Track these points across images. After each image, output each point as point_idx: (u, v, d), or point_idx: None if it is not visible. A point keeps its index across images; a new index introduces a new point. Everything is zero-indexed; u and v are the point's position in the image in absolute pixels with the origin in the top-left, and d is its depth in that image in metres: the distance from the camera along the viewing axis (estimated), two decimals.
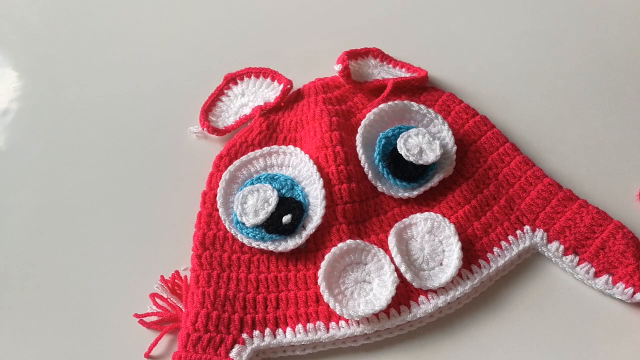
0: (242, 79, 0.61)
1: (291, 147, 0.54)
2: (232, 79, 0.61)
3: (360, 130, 0.54)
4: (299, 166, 0.53)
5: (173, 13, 0.68)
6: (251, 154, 0.54)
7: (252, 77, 0.61)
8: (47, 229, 0.56)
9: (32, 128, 0.62)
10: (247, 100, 0.60)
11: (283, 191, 0.52)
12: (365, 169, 0.53)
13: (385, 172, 0.53)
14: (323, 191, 0.51)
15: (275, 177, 0.53)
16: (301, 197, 0.52)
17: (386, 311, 0.48)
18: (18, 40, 0.68)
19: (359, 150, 0.53)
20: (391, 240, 0.50)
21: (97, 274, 0.53)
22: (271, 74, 0.61)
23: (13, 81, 0.65)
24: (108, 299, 0.52)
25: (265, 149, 0.54)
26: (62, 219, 0.56)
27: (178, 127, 0.60)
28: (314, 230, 0.51)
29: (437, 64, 0.61)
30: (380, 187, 0.53)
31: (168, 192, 0.57)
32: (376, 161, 0.53)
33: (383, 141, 0.53)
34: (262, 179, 0.53)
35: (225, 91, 0.61)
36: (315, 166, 0.52)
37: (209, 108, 0.60)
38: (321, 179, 0.51)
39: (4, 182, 0.59)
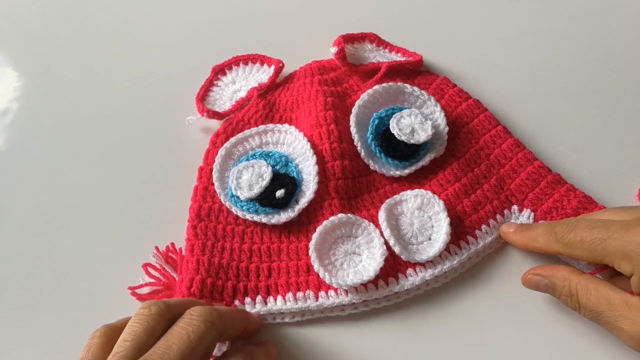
0: (230, 68, 0.62)
1: (286, 125, 0.56)
2: (220, 70, 0.62)
3: (354, 110, 0.55)
4: (293, 144, 0.55)
5: (173, 14, 0.69)
6: (247, 132, 0.56)
7: (241, 64, 0.62)
8: (46, 229, 0.56)
9: (32, 128, 0.62)
10: (239, 86, 0.61)
11: (277, 167, 0.53)
12: (358, 148, 0.54)
13: (377, 151, 0.54)
14: (316, 167, 0.52)
15: (270, 154, 0.54)
16: (295, 173, 0.53)
17: (374, 282, 0.49)
18: (18, 40, 0.69)
19: (353, 130, 0.54)
20: (381, 215, 0.51)
21: (97, 272, 0.54)
22: (259, 59, 0.62)
23: (13, 81, 0.65)
24: (109, 290, 0.53)
25: (261, 127, 0.56)
26: (62, 219, 0.57)
27: (176, 118, 0.60)
28: (306, 204, 0.52)
29: (436, 61, 0.62)
30: (372, 165, 0.54)
31: (167, 173, 0.58)
32: (369, 140, 0.54)
33: (376, 121, 0.54)
34: (257, 156, 0.54)
35: (215, 82, 0.62)
36: (309, 143, 0.53)
37: (202, 97, 0.61)
38: (314, 156, 0.53)
39: (4, 182, 0.59)
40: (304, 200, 0.52)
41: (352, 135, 0.54)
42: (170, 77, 0.64)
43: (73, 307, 0.52)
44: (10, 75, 0.65)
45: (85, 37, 0.68)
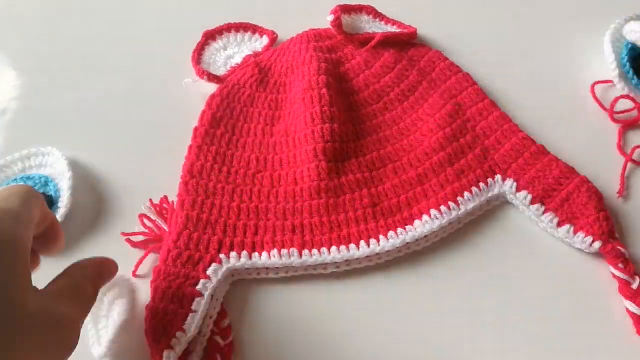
0: (221, 34, 0.64)
1: (49, 147, 0.57)
2: (211, 36, 0.63)
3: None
4: (55, 164, 0.57)
5: (176, 20, 0.68)
6: (9, 158, 0.57)
7: (233, 31, 0.64)
8: None
9: (32, 128, 0.61)
10: (232, 53, 0.63)
11: (37, 187, 0.56)
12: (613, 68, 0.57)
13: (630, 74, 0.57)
14: (70, 183, 0.55)
15: (31, 176, 0.57)
16: (53, 192, 0.56)
17: (356, 243, 0.51)
18: (18, 39, 0.68)
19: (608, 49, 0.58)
20: None
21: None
22: (252, 28, 0.64)
23: (12, 80, 0.64)
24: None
25: (24, 152, 0.58)
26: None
27: (174, 83, 0.61)
28: (61, 220, 0.53)
29: (431, 37, 0.63)
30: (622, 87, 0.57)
31: (167, 134, 0.59)
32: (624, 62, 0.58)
33: (630, 45, 0.58)
34: (18, 180, 0.56)
35: (206, 47, 0.63)
36: (66, 161, 0.56)
37: (197, 62, 0.62)
38: (70, 172, 0.55)
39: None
40: (58, 216, 0.54)
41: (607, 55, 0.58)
42: (166, 45, 0.65)
43: None
44: (9, 74, 0.65)
45: (85, 36, 0.67)
